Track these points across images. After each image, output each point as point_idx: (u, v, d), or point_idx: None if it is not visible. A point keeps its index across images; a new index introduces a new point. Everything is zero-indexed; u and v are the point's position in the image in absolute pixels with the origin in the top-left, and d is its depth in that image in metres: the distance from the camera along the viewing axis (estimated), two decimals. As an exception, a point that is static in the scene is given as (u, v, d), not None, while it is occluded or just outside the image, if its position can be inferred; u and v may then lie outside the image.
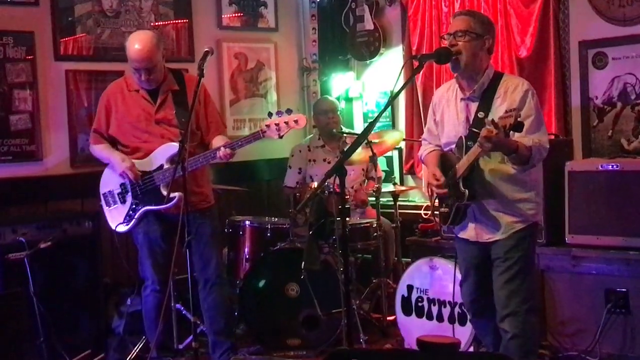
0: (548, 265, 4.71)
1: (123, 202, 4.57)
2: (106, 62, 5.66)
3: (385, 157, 6.31)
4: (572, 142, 5.17)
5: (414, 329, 4.81)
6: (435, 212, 3.97)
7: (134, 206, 4.53)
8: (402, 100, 6.38)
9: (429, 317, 4.84)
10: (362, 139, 3.44)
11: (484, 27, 3.74)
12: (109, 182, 4.63)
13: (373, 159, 5.31)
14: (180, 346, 4.73)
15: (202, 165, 4.44)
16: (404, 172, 6.45)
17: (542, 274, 4.71)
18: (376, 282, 5.45)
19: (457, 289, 4.16)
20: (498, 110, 3.62)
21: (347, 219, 5.11)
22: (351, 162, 5.26)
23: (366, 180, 5.93)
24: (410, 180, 6.48)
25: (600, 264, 4.53)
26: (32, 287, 4.53)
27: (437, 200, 3.95)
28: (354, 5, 6.64)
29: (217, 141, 4.54)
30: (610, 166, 4.57)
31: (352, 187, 5.67)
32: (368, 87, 6.78)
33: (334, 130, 5.80)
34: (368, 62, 6.68)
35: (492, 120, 3.34)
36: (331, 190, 4.85)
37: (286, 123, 4.28)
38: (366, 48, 6.58)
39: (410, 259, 5.35)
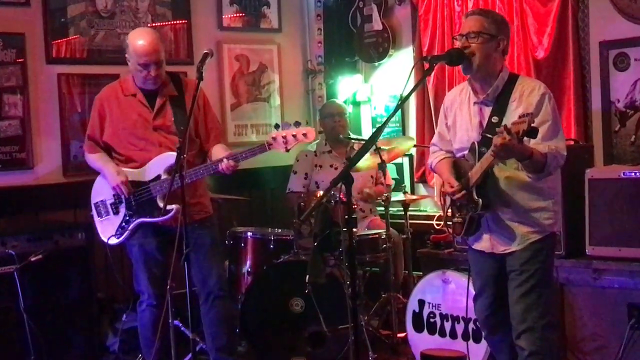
0: (567, 279, 4.70)
1: (116, 213, 4.57)
2: (100, 65, 5.70)
3: (395, 164, 6.33)
4: (593, 148, 5.17)
5: (425, 347, 4.81)
6: (448, 223, 3.97)
7: (127, 218, 4.53)
8: (412, 104, 6.40)
9: (442, 333, 4.84)
10: (369, 144, 3.45)
11: (498, 27, 3.74)
12: (102, 191, 4.61)
13: (382, 166, 5.32)
14: (179, 365, 4.74)
15: (202, 177, 4.46)
16: (415, 180, 6.46)
17: (561, 287, 4.71)
18: (385, 296, 5.44)
19: (470, 304, 4.15)
20: (513, 114, 3.62)
21: (354, 229, 5.12)
22: (358, 169, 5.27)
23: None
24: (421, 189, 6.48)
25: (623, 277, 4.51)
26: (22, 303, 4.55)
27: (449, 210, 3.95)
28: (362, 4, 6.66)
29: (218, 150, 4.54)
30: (634, 173, 4.56)
31: (359, 194, 5.68)
32: (377, 90, 6.80)
33: (341, 136, 5.82)
34: (376, 64, 6.70)
35: (505, 126, 3.35)
36: (337, 199, 4.86)
37: (294, 136, 4.30)
38: (374, 49, 6.61)
39: (421, 272, 5.36)
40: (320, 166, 5.93)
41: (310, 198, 5.31)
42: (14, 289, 4.53)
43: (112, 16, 5.80)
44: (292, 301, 5.08)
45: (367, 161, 5.29)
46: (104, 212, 4.61)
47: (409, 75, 3.64)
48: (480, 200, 3.67)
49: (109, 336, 5.23)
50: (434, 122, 6.06)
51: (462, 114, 3.89)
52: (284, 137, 4.31)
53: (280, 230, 5.59)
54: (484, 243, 3.86)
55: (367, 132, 6.76)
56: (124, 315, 5.11)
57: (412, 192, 6.29)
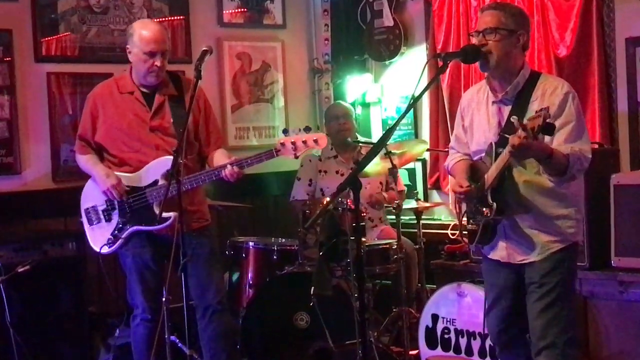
0: (592, 292, 4.70)
1: (108, 220, 4.55)
2: (93, 63, 5.72)
3: (406, 169, 6.31)
4: (619, 152, 5.17)
5: (439, 365, 4.80)
6: (464, 232, 3.94)
7: (120, 225, 4.51)
8: (425, 105, 6.39)
9: (457, 350, 4.83)
10: (378, 147, 3.43)
11: (516, 21, 3.72)
12: (93, 196, 4.58)
13: (393, 172, 5.30)
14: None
15: (203, 184, 4.45)
16: (429, 186, 6.45)
17: (585, 301, 4.71)
18: (396, 311, 5.43)
19: (487, 319, 4.15)
20: (534, 114, 3.61)
21: (363, 238, 5.10)
22: (367, 174, 5.26)
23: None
24: (435, 196, 6.47)
25: (651, 290, 4.51)
26: (9, 317, 4.55)
27: (465, 219, 3.93)
28: (372, -2, 6.67)
29: (219, 156, 4.54)
30: (662, 179, 4.57)
31: (368, 200, 5.66)
32: (387, 90, 6.80)
33: (348, 139, 5.80)
34: (387, 62, 6.70)
35: (520, 122, 3.32)
36: (345, 206, 4.84)
37: (304, 142, 4.29)
38: (385, 47, 6.60)
39: (435, 285, 5.35)
40: (325, 172, 5.91)
41: (315, 205, 5.29)
42: (0, 302, 4.52)
43: (105, 11, 5.81)
44: (297, 315, 5.07)
45: (377, 166, 5.27)
46: (95, 219, 4.58)
47: (421, 74, 3.60)
48: (495, 204, 3.64)
49: (101, 352, 5.23)
50: (448, 124, 6.05)
51: (479, 114, 3.87)
52: (293, 144, 4.29)
53: (283, 239, 5.59)
54: (500, 252, 3.83)
55: (377, 136, 6.76)
56: (117, 331, 5.11)
57: (426, 200, 6.29)
